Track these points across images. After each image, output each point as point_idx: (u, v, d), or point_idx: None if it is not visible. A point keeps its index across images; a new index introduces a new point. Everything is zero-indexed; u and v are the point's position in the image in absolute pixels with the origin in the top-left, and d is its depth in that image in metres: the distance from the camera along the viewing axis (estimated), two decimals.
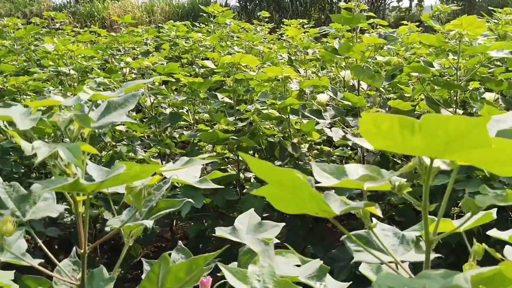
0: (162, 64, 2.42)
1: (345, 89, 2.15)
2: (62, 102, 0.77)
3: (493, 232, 0.76)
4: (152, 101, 2.42)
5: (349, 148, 2.46)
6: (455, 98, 2.09)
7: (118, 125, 2.44)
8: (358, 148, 2.30)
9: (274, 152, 2.24)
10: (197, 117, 2.58)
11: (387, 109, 2.00)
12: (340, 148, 2.44)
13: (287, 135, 2.30)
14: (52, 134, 1.94)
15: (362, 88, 2.15)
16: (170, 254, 0.85)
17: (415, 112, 2.02)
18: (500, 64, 2.56)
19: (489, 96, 2.04)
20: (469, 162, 0.54)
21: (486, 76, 2.08)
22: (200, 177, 1.08)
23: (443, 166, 0.56)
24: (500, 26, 3.98)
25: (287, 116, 2.19)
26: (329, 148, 2.25)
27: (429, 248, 0.66)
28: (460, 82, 2.03)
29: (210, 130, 2.33)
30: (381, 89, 2.05)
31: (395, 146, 0.52)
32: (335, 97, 2.20)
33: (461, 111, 2.17)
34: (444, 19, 4.14)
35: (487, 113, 1.69)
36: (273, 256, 0.70)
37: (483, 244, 0.75)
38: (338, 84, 2.43)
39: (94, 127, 0.76)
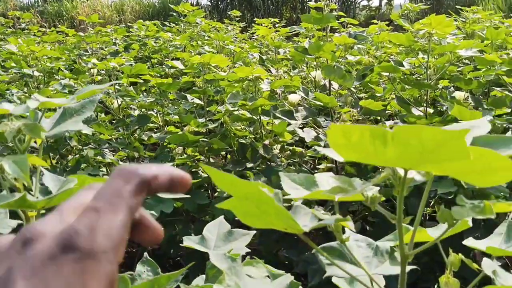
0: (129, 65, 2.35)
1: (317, 89, 2.12)
2: (11, 110, 0.71)
3: (470, 242, 0.73)
4: (119, 103, 2.34)
5: (322, 148, 2.44)
6: (425, 97, 2.09)
7: None
8: None
9: (246, 154, 2.20)
10: (167, 119, 2.52)
11: (358, 109, 1.99)
12: (313, 148, 2.42)
13: (259, 136, 2.27)
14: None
15: (334, 88, 2.13)
16: (134, 271, 0.80)
17: (386, 111, 2.01)
18: (469, 63, 2.58)
19: (458, 95, 2.05)
20: (445, 173, 0.51)
21: (455, 75, 2.09)
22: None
23: (418, 177, 0.53)
24: (468, 25, 4.04)
25: (259, 117, 2.16)
26: (301, 149, 2.22)
27: (404, 263, 0.63)
28: (430, 81, 2.03)
29: (180, 132, 2.27)
30: (352, 89, 2.03)
31: (367, 158, 0.49)
32: (306, 97, 2.18)
33: (431, 110, 2.18)
34: (413, 18, 4.18)
35: (458, 114, 1.68)
36: (240, 273, 0.66)
37: (459, 254, 0.72)
38: (310, 83, 2.41)
39: (46, 137, 0.71)
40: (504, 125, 1.90)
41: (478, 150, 0.44)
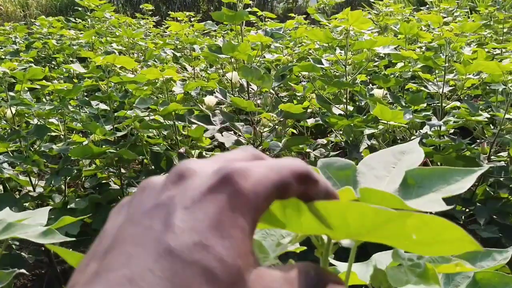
0: (23, 69, 2.08)
1: (234, 90, 1.99)
2: None
3: None
4: (13, 112, 2.07)
5: None
6: (345, 95, 2.03)
7: None
8: None
9: (160, 163, 2.02)
10: (71, 127, 2.28)
11: (279, 111, 1.88)
12: None
13: (174, 142, 2.10)
14: None
15: (252, 89, 2.01)
16: None
17: (308, 111, 1.92)
18: (384, 57, 2.57)
19: (377, 92, 2.00)
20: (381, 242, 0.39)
21: (373, 71, 2.04)
22: (46, 225, 0.85)
23: (346, 243, 0.41)
24: (381, 18, 4.09)
25: (173, 123, 1.99)
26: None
27: None
28: (349, 79, 1.97)
29: (85, 142, 2.05)
30: (271, 90, 1.92)
31: (281, 225, 0.36)
32: (224, 99, 2.04)
33: (351, 107, 2.12)
34: (330, 12, 4.17)
35: (379, 113, 1.60)
36: None
37: None
38: (228, 83, 2.27)
39: None
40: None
41: (422, 218, 0.32)
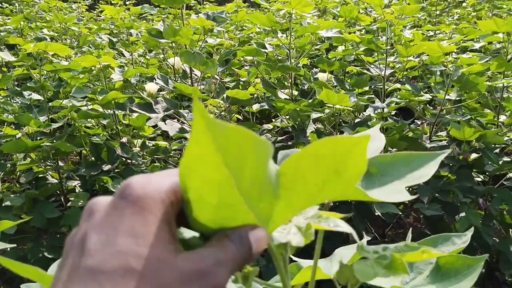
0: None
1: (177, 76, 1.92)
2: None
3: (378, 281, 0.62)
4: None
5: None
6: (289, 79, 2.01)
7: None
8: None
9: (101, 154, 1.93)
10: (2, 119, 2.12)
11: (225, 97, 1.83)
12: (178, 140, 2.23)
13: (114, 132, 2.01)
14: None
15: (195, 75, 1.95)
16: None
17: (254, 98, 1.89)
18: (324, 40, 2.58)
19: (321, 76, 2.00)
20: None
21: (314, 54, 2.04)
22: None
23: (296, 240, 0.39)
24: (320, 1, 4.11)
25: (113, 112, 1.90)
26: (165, 143, 2.02)
27: None
28: (293, 63, 1.95)
29: (19, 135, 1.92)
30: (216, 76, 1.87)
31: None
32: (166, 86, 1.97)
33: (295, 92, 2.11)
34: None
35: (326, 98, 1.59)
36: None
37: None
38: (170, 69, 2.19)
39: None
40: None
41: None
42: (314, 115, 1.69)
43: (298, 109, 1.81)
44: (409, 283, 0.57)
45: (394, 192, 0.47)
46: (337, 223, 0.41)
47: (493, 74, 1.84)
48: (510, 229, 1.93)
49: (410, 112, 2.83)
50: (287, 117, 1.98)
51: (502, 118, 1.97)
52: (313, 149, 0.33)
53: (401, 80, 2.12)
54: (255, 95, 2.30)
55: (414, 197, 0.46)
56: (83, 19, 4.38)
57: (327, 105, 1.65)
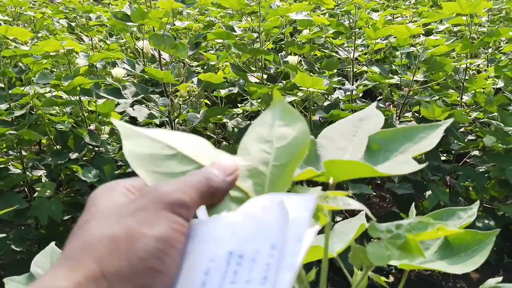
0: None
1: (145, 61, 1.87)
2: None
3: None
4: None
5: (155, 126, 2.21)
6: (260, 63, 2.00)
7: None
8: (167, 126, 2.07)
9: (67, 142, 1.86)
10: None
11: (196, 82, 1.80)
12: (146, 126, 2.18)
13: (80, 119, 1.94)
14: None
15: (164, 59, 1.90)
16: None
17: (226, 82, 1.87)
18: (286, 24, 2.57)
19: (291, 59, 2.00)
20: None
21: (279, 37, 2.03)
22: None
23: None
24: None
25: (78, 98, 1.83)
26: None
27: None
28: (263, 46, 1.94)
29: None
30: (187, 59, 1.84)
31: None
32: (133, 70, 1.91)
33: (265, 75, 2.10)
34: None
35: (300, 81, 1.59)
36: None
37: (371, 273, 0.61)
38: (137, 54, 2.13)
39: None
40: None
41: None
42: (288, 99, 1.69)
43: (270, 93, 1.80)
44: (417, 260, 0.57)
45: (402, 164, 0.47)
46: (347, 201, 0.40)
47: (457, 56, 1.90)
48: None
49: (373, 95, 2.88)
50: (258, 101, 1.97)
51: (465, 98, 2.04)
52: None
53: (365, 63, 2.15)
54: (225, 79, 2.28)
55: (424, 165, 0.46)
56: (35, 3, 4.19)
57: (300, 88, 1.65)
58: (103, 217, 0.34)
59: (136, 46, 1.75)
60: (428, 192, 1.94)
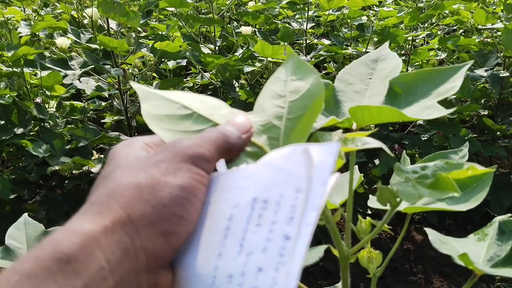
0: None
1: (94, 30, 1.77)
2: None
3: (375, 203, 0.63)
4: None
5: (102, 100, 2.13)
6: (213, 33, 1.96)
7: None
8: (115, 99, 1.98)
9: (11, 117, 1.74)
10: None
11: (147, 51, 1.74)
12: (92, 100, 2.08)
13: (23, 93, 1.81)
14: None
15: (112, 28, 1.81)
16: None
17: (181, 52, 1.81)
18: None
19: (245, 29, 1.98)
20: None
21: (242, 10, 2.01)
22: None
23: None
24: None
25: (21, 70, 1.71)
26: (82, 103, 1.87)
27: (346, 267, 0.50)
28: (217, 15, 1.90)
29: None
30: (139, 28, 1.76)
31: None
32: (78, 40, 1.81)
33: (217, 44, 2.07)
34: None
35: (260, 50, 1.58)
36: None
37: (368, 218, 0.62)
38: (81, 23, 2.02)
39: None
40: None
41: None
42: (247, 69, 1.68)
43: (224, 64, 1.78)
44: (419, 202, 0.59)
45: (427, 108, 0.47)
46: (365, 141, 0.41)
47: (406, 27, 1.96)
48: None
49: (320, 68, 2.93)
50: (211, 73, 1.94)
51: (411, 69, 2.12)
52: None
53: (318, 35, 2.17)
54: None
55: (450, 110, 0.47)
56: None
57: (259, 58, 1.64)
58: (128, 167, 0.35)
59: (84, 14, 1.66)
60: (378, 161, 2.02)
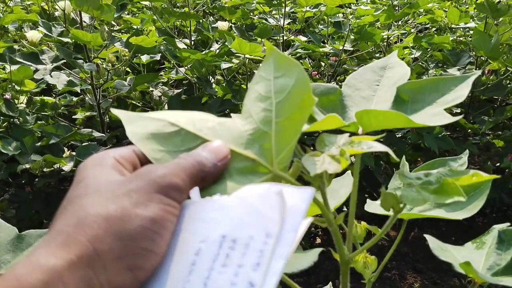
0: None
1: (66, 23, 1.71)
2: None
3: (373, 208, 0.63)
4: None
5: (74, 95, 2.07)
6: (189, 28, 1.93)
7: None
8: (87, 95, 1.93)
9: None
10: None
11: (124, 46, 1.69)
12: (63, 95, 2.02)
13: None
14: None
15: (85, 21, 1.76)
16: None
17: (156, 47, 1.77)
18: None
19: (221, 24, 1.95)
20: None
21: (218, 5, 1.98)
22: None
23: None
24: None
25: None
26: (53, 99, 1.81)
27: (346, 271, 0.49)
28: (193, 9, 1.87)
29: None
30: (113, 22, 1.72)
31: None
32: (49, 34, 1.75)
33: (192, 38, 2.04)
34: None
35: (238, 47, 1.57)
36: None
37: (363, 223, 0.62)
38: (48, 17, 1.95)
39: None
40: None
41: None
42: (224, 65, 1.66)
43: (201, 59, 1.75)
44: (415, 208, 0.59)
45: (435, 115, 0.47)
46: (371, 145, 0.41)
47: (381, 25, 1.97)
48: (394, 168, 2.14)
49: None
50: (186, 68, 1.91)
51: None
52: None
53: (295, 32, 2.16)
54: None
55: (458, 118, 0.46)
56: None
57: (236, 55, 1.62)
58: (98, 194, 0.34)
59: (55, 7, 1.60)
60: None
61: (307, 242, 2.00)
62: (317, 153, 0.41)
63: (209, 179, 0.38)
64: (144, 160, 0.40)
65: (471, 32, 2.18)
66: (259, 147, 0.40)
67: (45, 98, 1.81)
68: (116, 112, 0.44)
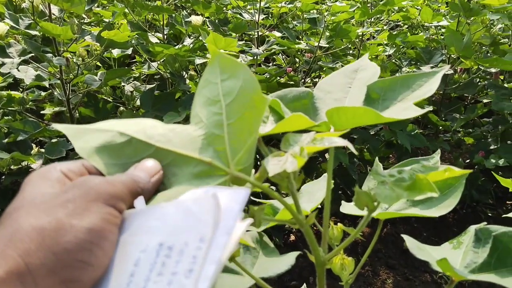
0: None
1: (34, 15, 1.65)
2: None
3: (348, 209, 0.62)
4: None
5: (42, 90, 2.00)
6: (161, 22, 1.89)
7: None
8: (56, 90, 1.87)
9: None
10: None
11: (92, 39, 1.64)
12: (31, 90, 1.96)
13: None
14: None
15: (54, 14, 1.70)
16: None
17: (129, 42, 1.72)
18: None
19: (195, 19, 1.92)
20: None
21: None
22: None
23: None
24: None
25: None
26: (20, 94, 1.75)
27: (322, 273, 0.48)
28: (166, 3, 1.83)
29: None
30: (84, 15, 1.66)
31: None
32: (16, 26, 1.69)
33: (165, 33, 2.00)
34: None
35: (212, 41, 1.54)
36: None
37: (339, 224, 0.61)
38: (14, 8, 1.88)
39: None
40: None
41: None
42: (198, 61, 1.63)
43: (174, 54, 1.72)
44: (391, 207, 0.59)
45: (404, 110, 0.48)
46: (333, 140, 0.41)
47: (356, 22, 1.97)
48: (368, 165, 2.15)
49: (269, 60, 2.91)
50: (158, 63, 1.87)
51: None
52: None
53: (269, 27, 2.15)
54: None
55: (425, 110, 0.46)
56: None
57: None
58: (32, 206, 0.33)
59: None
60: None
61: (280, 239, 1.99)
62: (281, 153, 0.40)
63: (146, 194, 0.38)
64: (94, 173, 0.39)
65: (444, 30, 2.21)
66: (213, 150, 0.40)
67: (12, 92, 1.74)
68: (59, 127, 0.42)
